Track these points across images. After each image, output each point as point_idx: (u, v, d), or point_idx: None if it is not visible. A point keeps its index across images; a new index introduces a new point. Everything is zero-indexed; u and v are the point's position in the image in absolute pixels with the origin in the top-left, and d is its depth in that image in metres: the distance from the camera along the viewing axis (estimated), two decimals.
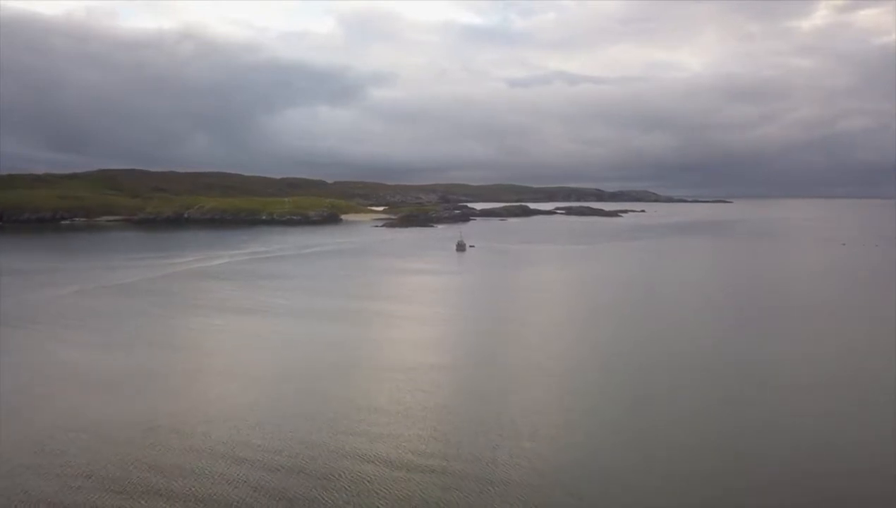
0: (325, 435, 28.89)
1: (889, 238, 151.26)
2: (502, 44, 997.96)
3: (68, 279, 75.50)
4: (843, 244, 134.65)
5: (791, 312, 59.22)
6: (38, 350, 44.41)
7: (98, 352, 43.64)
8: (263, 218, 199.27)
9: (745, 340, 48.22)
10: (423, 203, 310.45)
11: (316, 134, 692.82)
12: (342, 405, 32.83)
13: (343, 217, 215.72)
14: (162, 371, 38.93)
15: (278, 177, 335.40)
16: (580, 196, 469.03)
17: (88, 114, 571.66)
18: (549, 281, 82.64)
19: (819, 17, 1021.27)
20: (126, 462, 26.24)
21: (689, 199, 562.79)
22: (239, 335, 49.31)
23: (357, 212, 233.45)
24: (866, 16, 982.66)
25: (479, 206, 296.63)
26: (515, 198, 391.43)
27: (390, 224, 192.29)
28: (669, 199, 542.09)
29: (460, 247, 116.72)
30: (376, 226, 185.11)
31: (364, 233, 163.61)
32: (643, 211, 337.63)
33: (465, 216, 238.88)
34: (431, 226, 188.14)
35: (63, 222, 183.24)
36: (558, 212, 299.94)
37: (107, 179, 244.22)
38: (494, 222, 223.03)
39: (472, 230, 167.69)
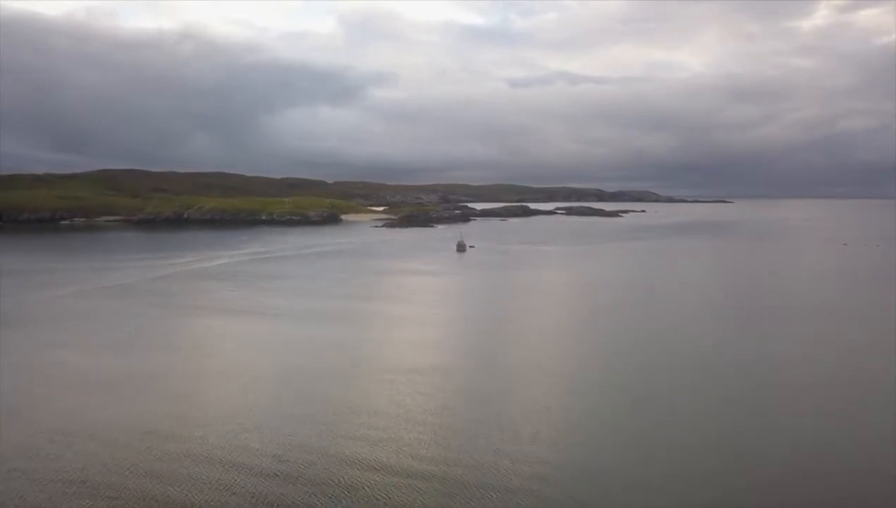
0: (323, 440, 28.56)
1: (890, 238, 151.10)
2: (503, 44, 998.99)
3: (67, 279, 75.44)
4: (845, 244, 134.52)
5: (791, 312, 59.12)
6: (36, 351, 44.27)
7: (96, 354, 43.48)
8: (263, 218, 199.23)
9: (745, 340, 48.12)
10: (424, 203, 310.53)
11: (316, 134, 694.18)
12: (341, 407, 32.53)
13: (343, 217, 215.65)
14: (160, 372, 38.73)
15: (279, 177, 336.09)
16: (581, 196, 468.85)
17: (88, 114, 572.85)
18: (549, 282, 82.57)
19: (820, 17, 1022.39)
20: (122, 467, 25.86)
21: (690, 199, 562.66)
22: (238, 336, 49.07)
23: (357, 212, 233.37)
24: (867, 16, 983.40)
25: (479, 206, 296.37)
26: (516, 198, 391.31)
27: (390, 224, 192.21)
28: (670, 199, 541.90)
29: (460, 248, 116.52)
30: (376, 227, 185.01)
31: (364, 233, 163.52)
32: (643, 211, 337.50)
33: (466, 216, 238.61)
34: (431, 227, 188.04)
35: (62, 222, 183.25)
36: (559, 212, 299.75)
37: (107, 179, 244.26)
38: (495, 222, 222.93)
39: (472, 230, 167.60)
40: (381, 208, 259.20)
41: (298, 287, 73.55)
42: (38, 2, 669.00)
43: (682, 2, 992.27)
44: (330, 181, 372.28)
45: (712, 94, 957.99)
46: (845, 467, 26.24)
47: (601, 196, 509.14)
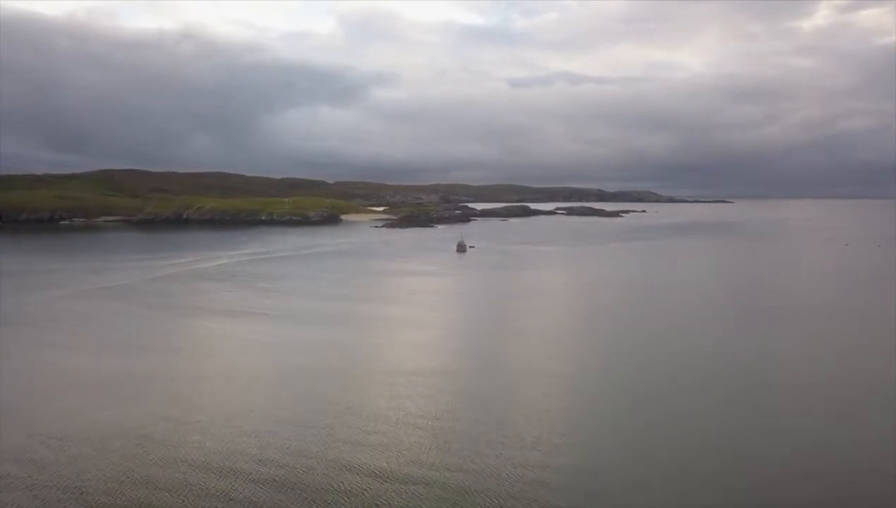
0: (322, 445, 28.12)
1: (891, 238, 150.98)
2: (503, 44, 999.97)
3: (66, 280, 75.40)
4: (846, 244, 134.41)
5: (791, 313, 59.03)
6: (33, 353, 44.03)
7: (94, 355, 43.31)
8: (263, 218, 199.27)
9: (745, 340, 48.05)
10: (424, 203, 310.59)
11: (317, 134, 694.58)
12: (340, 411, 32.12)
13: (343, 217, 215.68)
14: (158, 374, 38.54)
15: (279, 177, 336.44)
16: (581, 196, 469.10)
17: (88, 114, 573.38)
18: (549, 282, 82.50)
19: (820, 17, 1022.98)
20: (118, 473, 25.44)
21: (690, 200, 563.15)
22: (237, 337, 48.90)
23: (357, 212, 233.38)
24: (868, 16, 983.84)
25: (479, 207, 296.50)
26: (516, 198, 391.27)
27: (390, 224, 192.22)
28: (670, 200, 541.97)
29: (461, 248, 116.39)
30: (376, 227, 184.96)
31: (364, 233, 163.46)
32: (644, 211, 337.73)
33: (466, 216, 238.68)
34: (432, 227, 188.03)
35: (62, 222, 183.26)
36: (559, 212, 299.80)
37: (106, 180, 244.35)
38: (495, 222, 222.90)
39: (472, 230, 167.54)
40: (381, 208, 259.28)
41: (298, 288, 73.46)
42: (38, 2, 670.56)
43: (682, 2, 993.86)
44: (330, 181, 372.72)
45: (712, 94, 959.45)
46: (845, 467, 26.17)
47: (601, 196, 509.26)
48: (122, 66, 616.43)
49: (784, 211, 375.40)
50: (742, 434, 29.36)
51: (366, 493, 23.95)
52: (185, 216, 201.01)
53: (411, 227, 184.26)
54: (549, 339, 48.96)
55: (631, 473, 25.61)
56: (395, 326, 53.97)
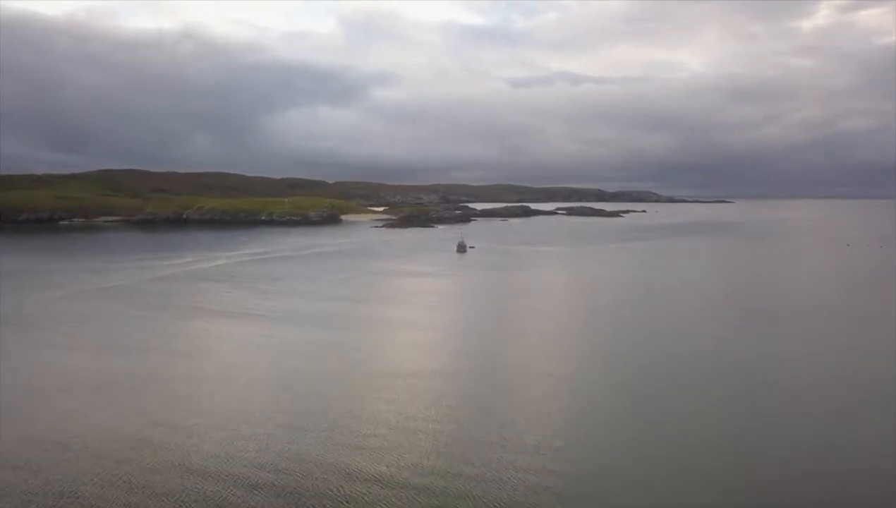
0: (320, 449, 27.73)
1: (892, 239, 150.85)
2: (503, 44, 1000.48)
3: (65, 280, 75.36)
4: (848, 245, 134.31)
5: (792, 313, 59.00)
6: (31, 353, 43.93)
7: (91, 357, 43.04)
8: (263, 218, 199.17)
9: (745, 340, 48.03)
10: (424, 203, 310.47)
11: (317, 134, 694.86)
12: (339, 415, 31.77)
13: (343, 217, 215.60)
14: (155, 376, 38.25)
15: (279, 177, 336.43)
16: (581, 196, 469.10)
17: (88, 114, 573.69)
18: (550, 283, 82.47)
19: (821, 17, 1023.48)
20: (112, 479, 25.01)
21: (690, 200, 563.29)
22: (236, 339, 48.74)
23: (357, 212, 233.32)
24: (868, 16, 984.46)
25: (479, 207, 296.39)
26: (516, 198, 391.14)
27: (390, 224, 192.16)
28: (670, 200, 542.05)
29: (461, 248, 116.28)
30: (376, 227, 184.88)
31: (364, 233, 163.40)
32: (644, 211, 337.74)
33: (466, 216, 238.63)
34: (432, 227, 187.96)
35: (61, 223, 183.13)
36: (559, 212, 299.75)
37: (106, 180, 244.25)
38: (495, 222, 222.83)
39: (472, 230, 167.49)
40: (381, 208, 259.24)
41: (297, 288, 73.39)
42: (38, 2, 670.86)
43: (682, 2, 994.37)
44: (330, 181, 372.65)
45: (712, 94, 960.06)
46: (845, 467, 26.15)
47: (601, 196, 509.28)
48: (122, 66, 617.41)
49: (784, 211, 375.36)
50: (742, 434, 29.34)
51: (364, 499, 23.65)
52: (184, 216, 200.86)
53: (411, 227, 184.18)
54: (550, 339, 48.92)
55: (631, 473, 25.58)
56: (395, 327, 53.91)
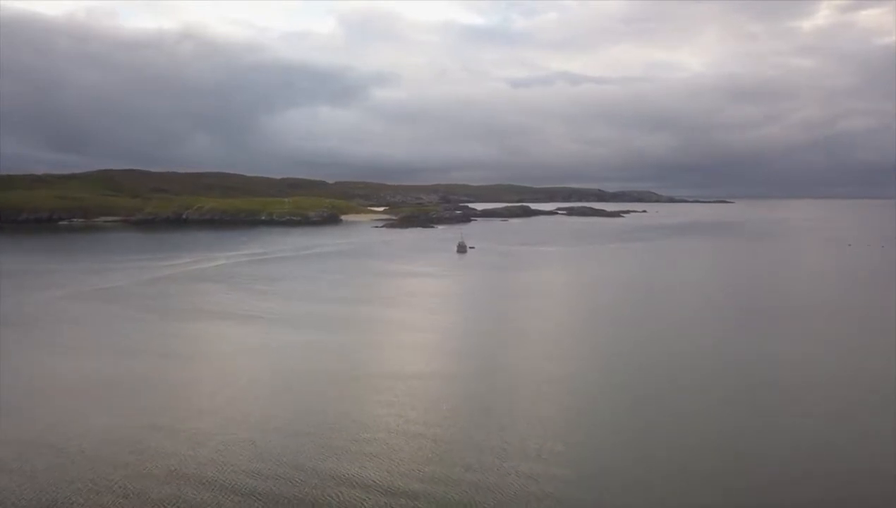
0: (318, 455, 27.30)
1: (892, 239, 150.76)
2: (503, 44, 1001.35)
3: (65, 281, 75.29)
4: (849, 245, 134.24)
5: (792, 313, 59.01)
6: (28, 355, 43.67)
7: (89, 359, 42.71)
8: (263, 218, 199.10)
9: (745, 340, 48.01)
10: (424, 203, 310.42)
11: (317, 134, 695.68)
12: (338, 419, 31.37)
13: (343, 217, 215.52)
14: (152, 380, 37.88)
15: (279, 177, 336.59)
16: (581, 196, 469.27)
17: (88, 114, 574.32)
18: (550, 283, 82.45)
19: (821, 17, 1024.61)
20: (108, 485, 24.69)
21: (690, 200, 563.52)
22: (234, 340, 48.45)
23: (357, 212, 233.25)
24: (868, 16, 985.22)
25: (480, 207, 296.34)
26: (516, 198, 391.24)
27: (390, 224, 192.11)
28: (671, 200, 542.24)
29: (461, 249, 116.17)
30: (376, 227, 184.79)
31: (364, 233, 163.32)
32: (644, 211, 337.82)
33: (466, 216, 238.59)
34: (432, 227, 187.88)
35: (61, 223, 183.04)
36: (559, 212, 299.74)
37: (106, 180, 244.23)
38: (495, 223, 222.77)
39: (472, 231, 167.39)
40: (381, 208, 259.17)
41: (297, 289, 73.31)
42: (38, 2, 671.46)
43: (682, 2, 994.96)
44: (330, 181, 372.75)
45: (712, 94, 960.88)
46: (845, 467, 26.12)
47: (602, 196, 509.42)
48: (122, 66, 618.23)
49: (784, 211, 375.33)
50: (742, 434, 29.31)
51: (364, 507, 23.34)
52: (184, 216, 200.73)
53: (411, 228, 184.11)
54: (550, 340, 48.89)
55: (631, 473, 25.55)
56: (395, 328, 53.82)
